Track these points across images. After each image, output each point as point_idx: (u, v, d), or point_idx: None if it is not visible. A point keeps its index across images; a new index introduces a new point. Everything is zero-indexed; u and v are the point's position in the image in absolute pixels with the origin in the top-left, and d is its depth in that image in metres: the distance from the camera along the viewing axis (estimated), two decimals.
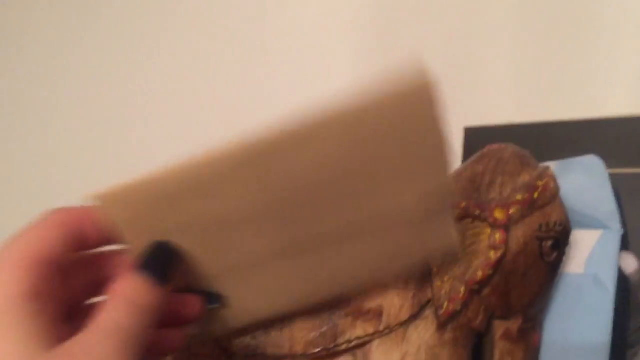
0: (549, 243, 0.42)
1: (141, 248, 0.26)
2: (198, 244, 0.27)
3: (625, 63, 0.55)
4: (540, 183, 0.42)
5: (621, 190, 0.50)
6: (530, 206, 0.41)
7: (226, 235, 0.27)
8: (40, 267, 0.24)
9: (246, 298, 0.31)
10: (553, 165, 0.50)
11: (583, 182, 0.49)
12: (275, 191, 0.25)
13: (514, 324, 0.42)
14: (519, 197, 0.41)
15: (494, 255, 0.40)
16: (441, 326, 0.39)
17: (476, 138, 0.59)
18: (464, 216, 0.41)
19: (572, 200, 0.49)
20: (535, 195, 0.42)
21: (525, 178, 0.42)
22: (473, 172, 0.43)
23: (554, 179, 0.43)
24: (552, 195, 0.42)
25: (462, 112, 0.62)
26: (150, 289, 0.25)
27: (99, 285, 0.28)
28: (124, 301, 0.24)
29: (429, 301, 0.39)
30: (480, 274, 0.40)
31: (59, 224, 0.25)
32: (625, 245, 0.48)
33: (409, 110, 0.24)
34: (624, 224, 0.48)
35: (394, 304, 0.39)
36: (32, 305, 0.23)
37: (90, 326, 0.23)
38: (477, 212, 0.41)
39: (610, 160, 0.50)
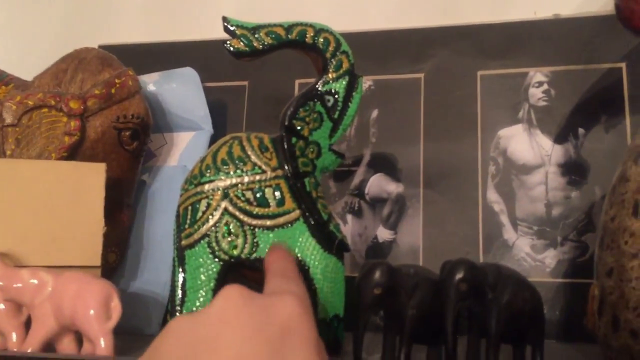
0: (128, 133, 0.49)
1: None
2: None
3: None
4: (118, 80, 0.49)
5: (217, 99, 0.60)
6: (107, 99, 0.48)
7: None
8: None
9: None
10: (158, 75, 0.57)
11: (181, 90, 0.57)
12: None
13: None
14: (96, 91, 0.47)
15: (68, 140, 0.46)
16: None
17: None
18: (40, 106, 0.46)
19: (173, 106, 0.57)
20: (113, 90, 0.48)
21: (105, 76, 0.48)
22: (57, 69, 0.48)
23: (134, 78, 0.50)
24: (130, 92, 0.49)
25: (97, 30, 0.66)
26: None
27: None
28: None
29: None
30: (54, 156, 0.45)
31: None
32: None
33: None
34: (214, 126, 0.57)
35: None
36: None
37: None
38: (53, 102, 0.46)
39: (206, 75, 0.59)
